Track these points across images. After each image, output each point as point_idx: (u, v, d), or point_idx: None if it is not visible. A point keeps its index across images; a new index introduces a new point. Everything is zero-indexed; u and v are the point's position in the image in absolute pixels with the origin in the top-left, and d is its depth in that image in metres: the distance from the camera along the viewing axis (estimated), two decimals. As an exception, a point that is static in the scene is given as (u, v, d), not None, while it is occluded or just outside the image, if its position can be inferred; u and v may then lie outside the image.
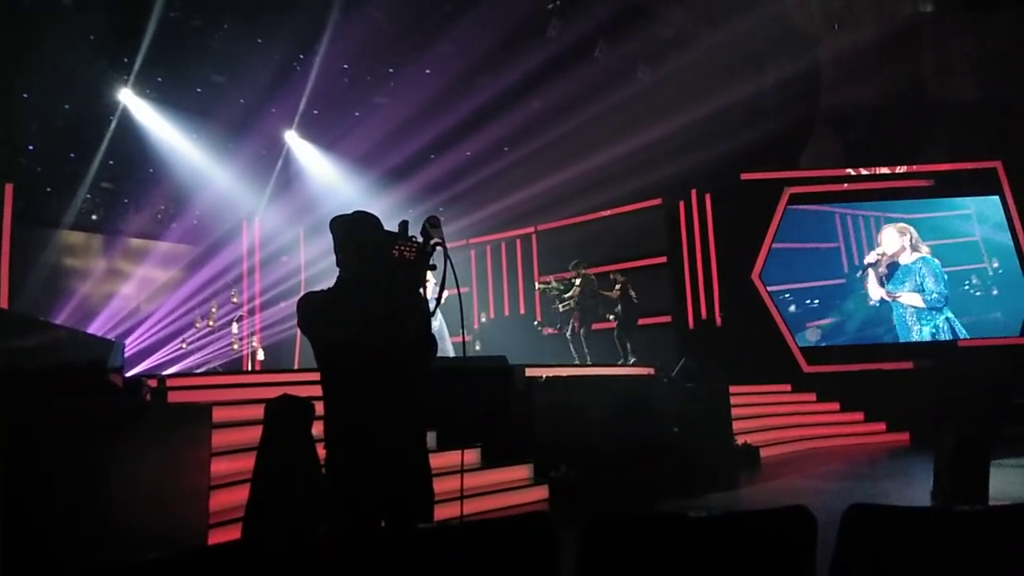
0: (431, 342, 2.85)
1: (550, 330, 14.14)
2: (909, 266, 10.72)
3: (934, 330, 11.17)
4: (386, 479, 2.68)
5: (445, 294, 2.89)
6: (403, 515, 2.69)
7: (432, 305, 2.85)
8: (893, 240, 10.54)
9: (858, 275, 11.34)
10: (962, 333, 12.78)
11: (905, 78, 14.66)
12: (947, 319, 11.42)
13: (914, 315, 11.24)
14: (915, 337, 11.43)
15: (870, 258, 11.33)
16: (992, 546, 1.66)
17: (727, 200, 14.57)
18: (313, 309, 2.77)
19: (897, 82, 14.62)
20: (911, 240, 10.71)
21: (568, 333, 12.57)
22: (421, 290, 2.81)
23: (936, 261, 11.11)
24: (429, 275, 2.82)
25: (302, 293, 2.86)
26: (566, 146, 14.04)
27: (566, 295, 12.65)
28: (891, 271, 10.94)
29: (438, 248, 2.78)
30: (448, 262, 2.77)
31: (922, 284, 10.95)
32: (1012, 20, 13.56)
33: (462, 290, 2.80)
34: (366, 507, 2.66)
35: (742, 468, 9.72)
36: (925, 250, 11.14)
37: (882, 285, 10.93)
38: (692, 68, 12.66)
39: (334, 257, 2.87)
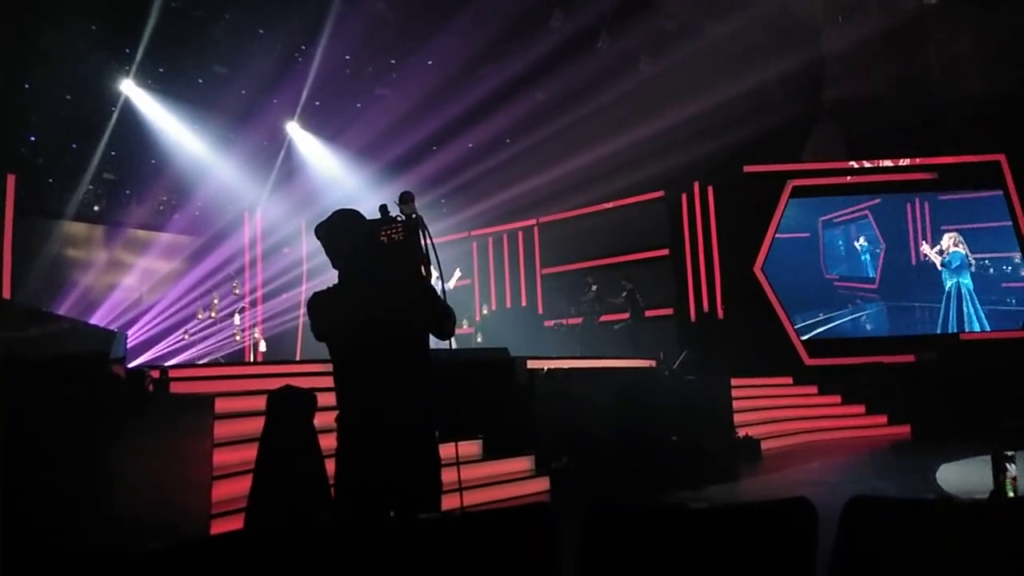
0: (447, 312, 2.86)
1: (570, 321, 14.29)
2: (949, 255, 14.64)
3: (952, 285, 14.60)
4: (395, 469, 2.69)
5: (452, 283, 2.93)
6: (411, 505, 2.71)
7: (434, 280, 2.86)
8: (946, 240, 14.61)
9: (923, 257, 14.82)
10: (967, 296, 14.50)
11: (909, 71, 14.58)
12: (958, 282, 14.54)
13: (943, 274, 14.70)
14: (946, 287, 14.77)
15: (925, 249, 14.86)
16: (993, 538, 1.66)
17: (730, 193, 14.54)
18: (321, 310, 2.79)
19: (901, 75, 14.55)
20: (954, 241, 14.59)
21: (588, 328, 13.40)
22: (424, 269, 2.82)
23: (963, 254, 14.60)
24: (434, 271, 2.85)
25: (310, 293, 2.87)
26: (568, 138, 14.00)
27: (583, 298, 13.53)
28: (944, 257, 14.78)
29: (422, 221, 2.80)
30: (426, 232, 2.79)
31: (947, 262, 14.79)
32: (1017, 13, 13.46)
33: (450, 282, 2.84)
34: (375, 496, 2.68)
35: (743, 460, 9.73)
36: (961, 248, 14.62)
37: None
38: (695, 60, 12.61)
39: (330, 261, 2.87)
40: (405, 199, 2.81)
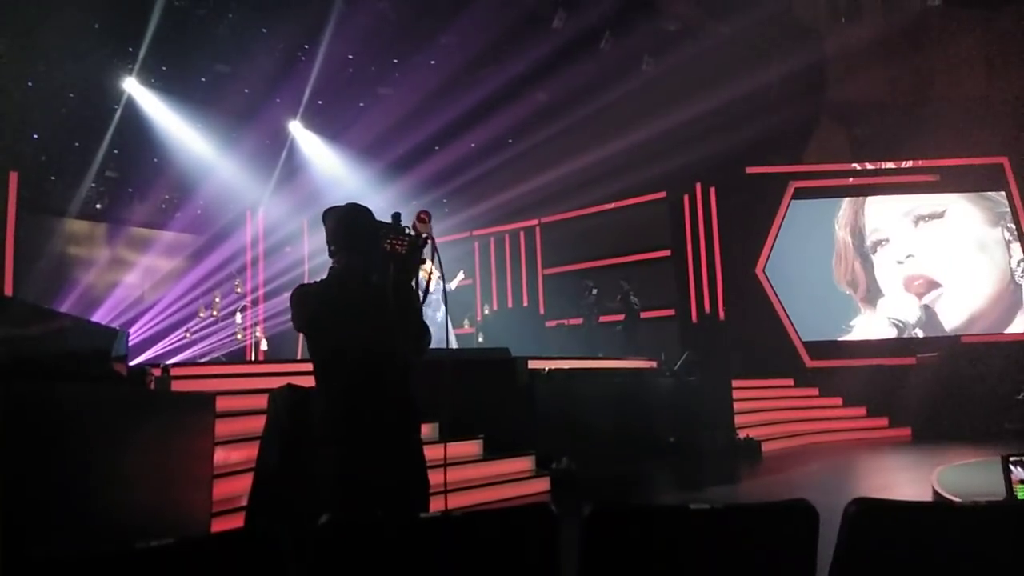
0: (423, 331, 2.86)
1: (571, 321, 14.36)
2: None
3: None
4: (380, 470, 2.68)
5: (454, 284, 2.91)
6: (399, 506, 2.70)
7: (421, 295, 2.85)
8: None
9: None
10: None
11: (912, 72, 14.58)
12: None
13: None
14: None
15: None
16: (995, 541, 1.66)
17: (732, 194, 14.54)
18: (305, 303, 2.79)
19: (903, 76, 14.54)
20: None
21: (588, 330, 13.56)
22: (415, 283, 2.81)
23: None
24: (431, 266, 2.84)
25: (296, 287, 2.87)
26: (570, 138, 14.00)
27: (583, 302, 13.68)
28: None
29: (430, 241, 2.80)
30: (436, 255, 2.79)
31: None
32: (1019, 15, 13.46)
33: (452, 283, 2.82)
34: (361, 497, 2.67)
35: (744, 462, 9.73)
36: None
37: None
38: (697, 61, 12.60)
39: (327, 248, 2.88)
40: (421, 218, 2.79)
